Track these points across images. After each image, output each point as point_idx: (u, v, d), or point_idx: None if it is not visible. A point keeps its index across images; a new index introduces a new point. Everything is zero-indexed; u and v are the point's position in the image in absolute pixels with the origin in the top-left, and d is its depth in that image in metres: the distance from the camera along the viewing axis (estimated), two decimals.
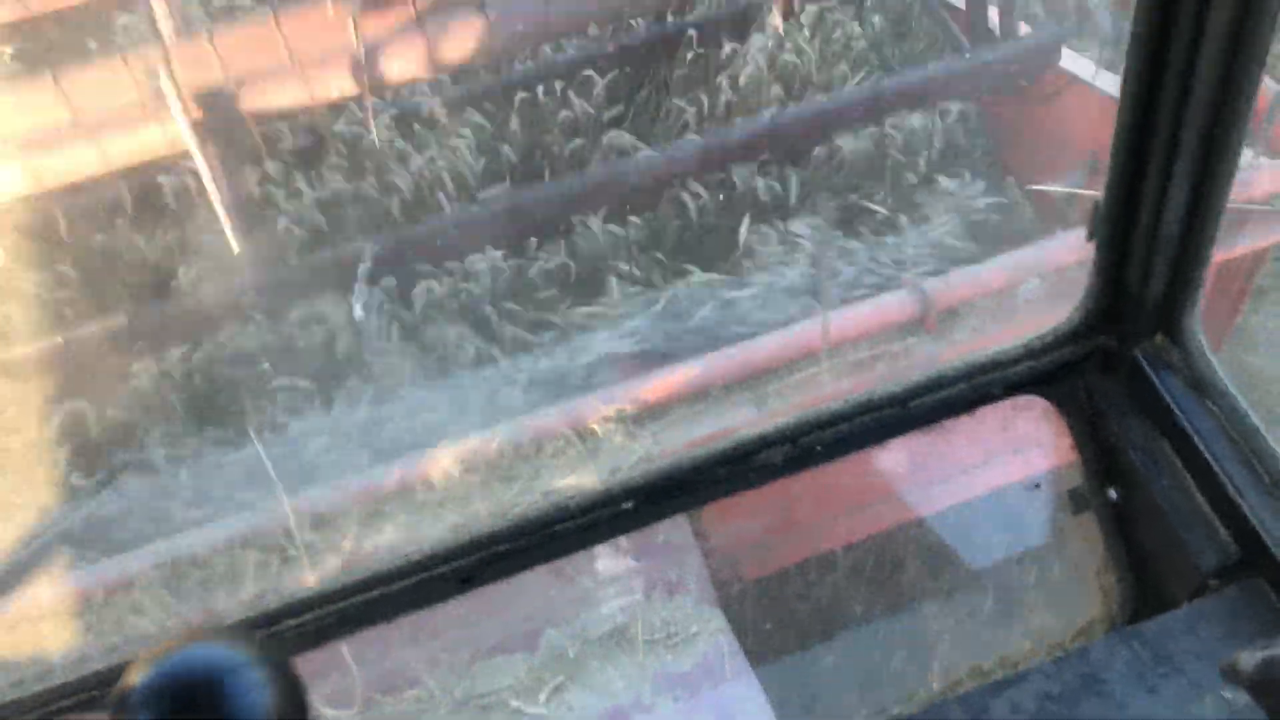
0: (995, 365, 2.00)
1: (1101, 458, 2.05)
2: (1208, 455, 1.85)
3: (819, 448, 1.95)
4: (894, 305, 4.25)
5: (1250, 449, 1.83)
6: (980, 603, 3.00)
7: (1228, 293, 5.07)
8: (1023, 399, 2.04)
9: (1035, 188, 5.78)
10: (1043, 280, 4.12)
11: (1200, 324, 1.97)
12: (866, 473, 2.34)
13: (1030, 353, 2.02)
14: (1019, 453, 2.09)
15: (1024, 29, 5.80)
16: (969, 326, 4.10)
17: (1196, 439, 1.88)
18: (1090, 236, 1.90)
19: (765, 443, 1.94)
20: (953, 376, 1.99)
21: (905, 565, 3.34)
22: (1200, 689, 1.62)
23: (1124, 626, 1.94)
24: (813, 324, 4.04)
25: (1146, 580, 1.99)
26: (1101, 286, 1.94)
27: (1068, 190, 5.35)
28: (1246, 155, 4.87)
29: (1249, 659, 1.23)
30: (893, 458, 2.13)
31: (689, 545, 3.16)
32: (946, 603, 3.21)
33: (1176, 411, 1.92)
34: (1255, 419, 1.86)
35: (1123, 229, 1.82)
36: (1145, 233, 1.79)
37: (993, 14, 5.80)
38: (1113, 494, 2.01)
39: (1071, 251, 3.97)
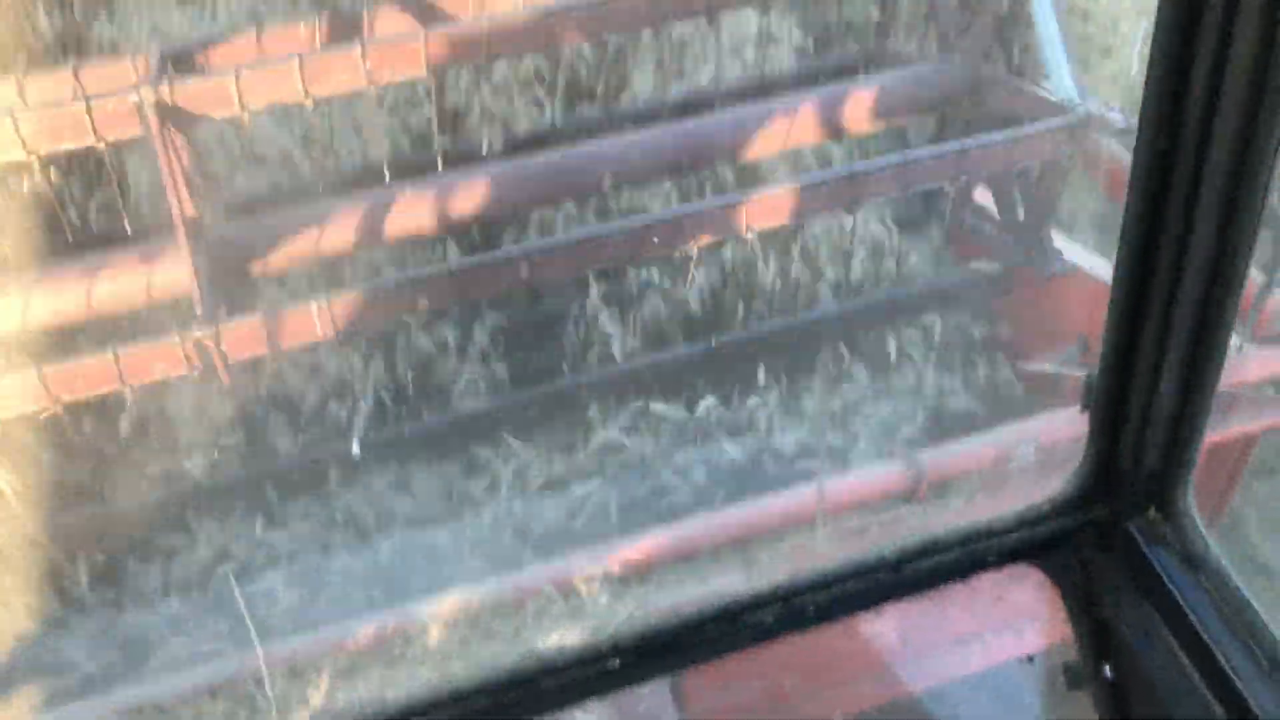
0: (990, 533, 1.99)
1: (1096, 633, 2.02)
2: (1203, 633, 1.82)
3: (811, 609, 1.91)
4: (886, 475, 4.26)
5: (1246, 628, 1.81)
6: None
7: (1220, 474, 5.10)
8: (1018, 568, 2.03)
9: (1029, 367, 5.86)
10: (1035, 454, 4.14)
11: (1194, 501, 1.97)
12: (858, 642, 2.30)
13: (1024, 522, 2.01)
14: (1012, 625, 2.06)
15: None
16: (960, 498, 4.11)
17: (1191, 616, 1.86)
18: (1084, 409, 1.92)
19: (756, 602, 1.91)
20: (946, 542, 1.97)
21: None
22: None
23: None
24: (806, 489, 4.04)
25: None
26: (1095, 459, 1.95)
27: (1060, 369, 5.42)
28: (1233, 342, 4.99)
29: None
30: (885, 626, 2.10)
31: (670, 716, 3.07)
32: None
33: (1170, 587, 1.91)
34: (1249, 596, 1.84)
35: (1116, 404, 1.83)
36: (1138, 409, 1.81)
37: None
38: (1108, 671, 1.97)
39: (1063, 427, 4.01)
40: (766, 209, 5.01)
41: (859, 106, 5.55)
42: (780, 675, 3.18)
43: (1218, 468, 5.09)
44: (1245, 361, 4.77)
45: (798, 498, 4.01)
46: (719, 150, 5.53)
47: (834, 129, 5.75)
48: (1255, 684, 1.73)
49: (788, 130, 5.43)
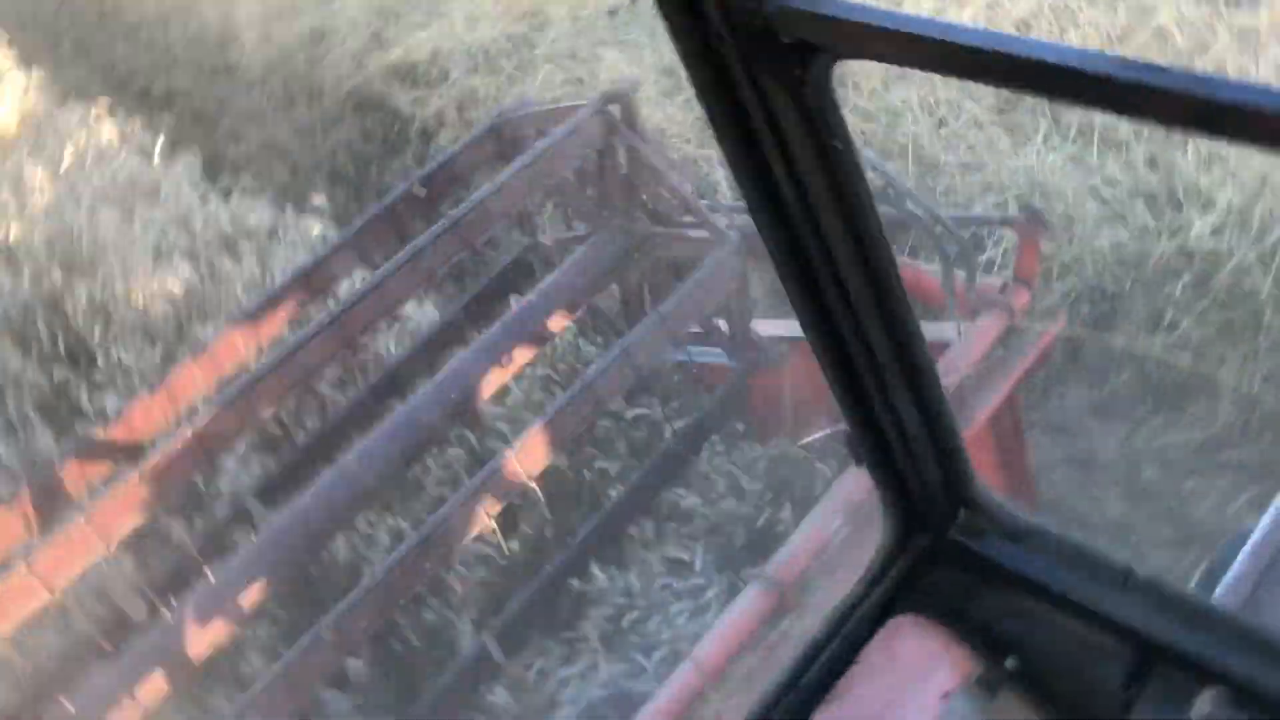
0: (851, 609, 2.11)
1: (982, 637, 2.16)
2: (1057, 585, 2.00)
3: None
4: (751, 607, 4.34)
5: (1085, 561, 2.00)
6: None
7: (1005, 445, 5.50)
8: (891, 625, 2.15)
9: (808, 440, 6.15)
10: (847, 519, 4.35)
11: (988, 488, 2.17)
12: None
13: (873, 582, 2.15)
14: (919, 674, 2.17)
15: None
16: (820, 588, 4.25)
17: (1042, 577, 2.04)
18: (859, 462, 2.10)
19: None
20: (823, 639, 2.08)
21: None
22: None
23: None
24: (683, 671, 4.05)
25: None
26: (893, 499, 2.13)
27: (833, 429, 5.74)
28: (954, 331, 5.47)
29: None
30: None
31: None
32: None
33: (1013, 565, 2.08)
34: (1075, 538, 2.04)
35: (877, 446, 2.02)
36: (896, 440, 2.00)
37: None
38: (1010, 662, 2.11)
39: (860, 481, 4.24)
40: (536, 451, 5.14)
41: (557, 303, 5.92)
42: None
43: (999, 443, 5.51)
44: (967, 346, 5.23)
45: (681, 683, 4.01)
46: (456, 413, 5.69)
47: (544, 338, 6.08)
48: (1113, 600, 1.92)
49: (509, 365, 5.72)
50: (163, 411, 5.48)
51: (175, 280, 8.89)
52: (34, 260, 9.46)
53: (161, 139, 11.88)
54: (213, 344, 5.70)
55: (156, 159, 11.51)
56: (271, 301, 5.83)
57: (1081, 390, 7.82)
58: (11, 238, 9.93)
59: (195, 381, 5.58)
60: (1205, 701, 1.27)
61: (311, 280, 5.91)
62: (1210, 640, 1.83)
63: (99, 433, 5.58)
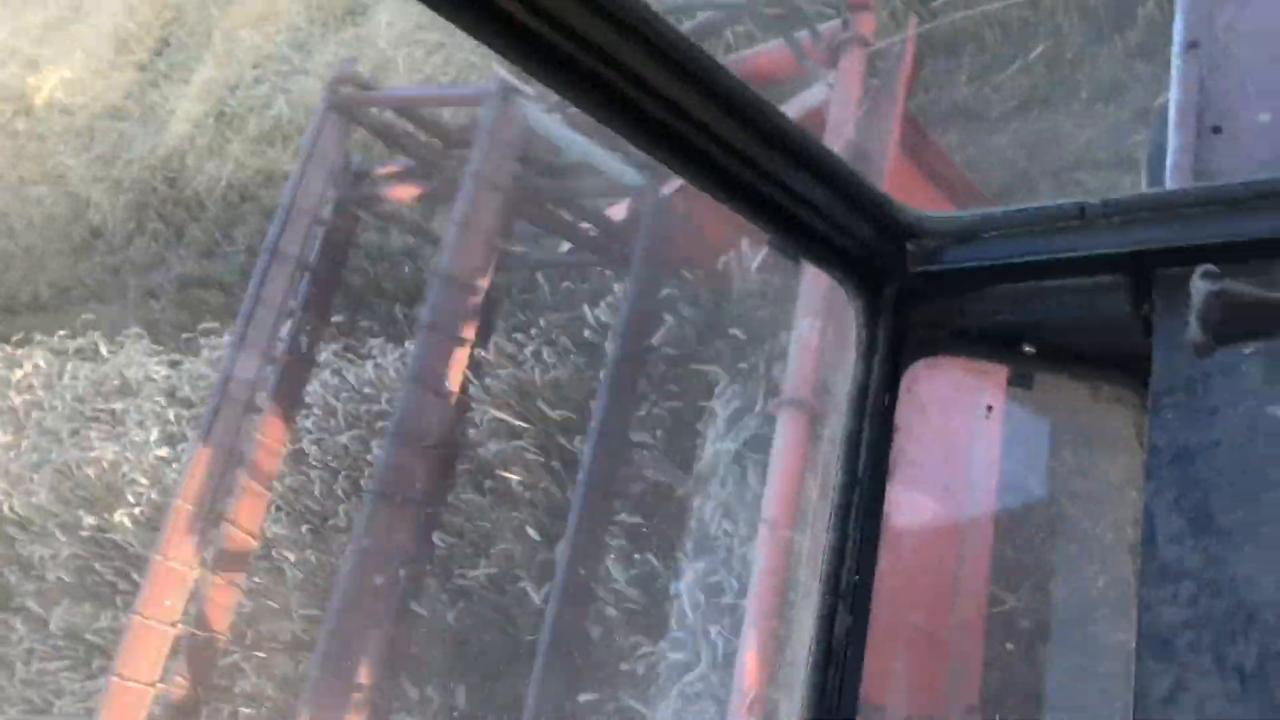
0: (862, 395, 2.07)
1: (992, 343, 2.13)
2: (1026, 254, 1.97)
3: None
4: (789, 436, 4.33)
5: (1040, 214, 1.97)
6: None
7: (924, 160, 5.44)
8: (904, 382, 2.12)
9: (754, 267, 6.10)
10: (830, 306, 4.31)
11: (905, 205, 2.12)
12: None
13: (867, 357, 2.10)
14: (954, 410, 2.14)
15: None
16: (839, 380, 4.23)
17: (1011, 256, 2.00)
18: (793, 259, 2.05)
19: None
20: (853, 431, 2.05)
21: None
22: None
23: None
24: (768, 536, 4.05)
25: None
26: (842, 273, 2.07)
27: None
28: (821, 90, 5.37)
29: None
30: None
31: None
32: None
33: (979, 263, 2.04)
34: (1017, 205, 2.01)
35: (796, 233, 1.96)
36: (812, 218, 1.94)
37: None
38: (1027, 349, 2.08)
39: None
40: None
41: None
42: None
43: (915, 157, 5.46)
44: (843, 91, 5.16)
45: (769, 542, 4.02)
46: None
47: None
48: (1083, 239, 1.89)
49: None
50: None
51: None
52: None
53: None
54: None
55: None
56: None
57: (963, 73, 7.82)
58: None
59: None
60: (1199, 280, 1.24)
61: None
62: (1184, 225, 1.80)
63: None
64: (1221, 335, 1.23)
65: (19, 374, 10.41)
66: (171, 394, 9.36)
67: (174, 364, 9.65)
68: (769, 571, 3.92)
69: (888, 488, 2.16)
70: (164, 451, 8.74)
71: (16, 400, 10.14)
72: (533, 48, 1.50)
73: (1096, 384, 2.09)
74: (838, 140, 4.89)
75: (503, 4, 1.42)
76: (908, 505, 4.05)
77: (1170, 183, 2.12)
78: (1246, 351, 1.76)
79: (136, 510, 8.38)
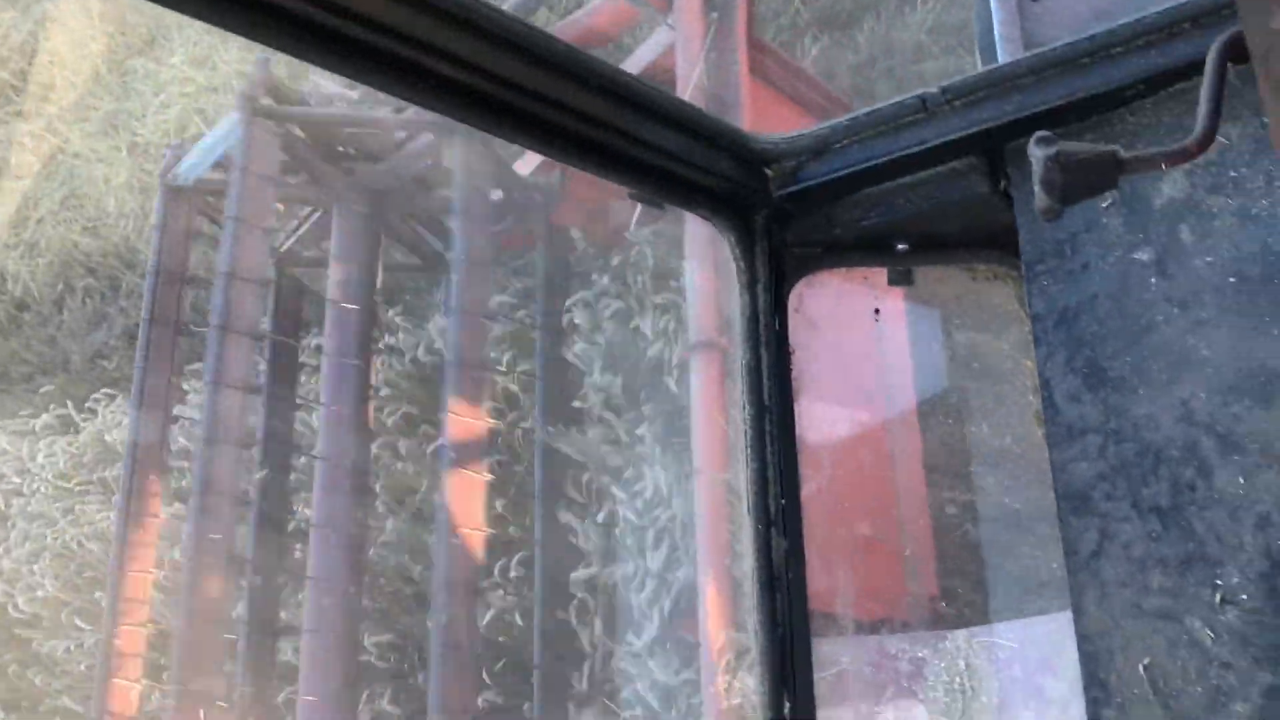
0: (754, 326, 2.09)
1: (866, 249, 2.16)
2: (881, 154, 1.99)
3: None
4: (705, 377, 4.36)
5: (884, 115, 2.00)
6: None
7: (782, 85, 5.47)
8: (792, 300, 2.14)
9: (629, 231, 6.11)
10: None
11: (762, 134, 2.13)
12: None
13: (751, 285, 2.12)
14: (843, 321, 2.17)
15: None
16: None
17: (868, 157, 2.03)
18: (659, 206, 2.05)
19: None
20: (753, 362, 2.07)
21: None
22: None
23: None
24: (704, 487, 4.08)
25: None
26: (711, 209, 2.08)
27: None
28: (665, 36, 5.36)
29: None
30: None
31: None
32: None
33: (842, 171, 2.07)
34: (863, 111, 2.03)
35: (657, 182, 1.96)
36: (670, 164, 1.94)
37: None
38: (900, 246, 2.12)
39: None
40: None
41: None
42: None
43: (773, 83, 5.48)
44: (685, 33, 5.15)
45: (708, 498, 4.05)
46: None
47: None
48: (926, 128, 1.92)
49: None
50: None
51: None
52: None
53: None
54: None
55: None
56: None
57: None
58: None
59: None
60: (1034, 147, 1.27)
61: None
62: (1022, 96, 1.84)
63: None
64: (1066, 195, 1.26)
65: None
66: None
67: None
68: (711, 517, 3.96)
69: (807, 407, 2.18)
70: (175, 508, 8.09)
71: None
72: (350, 49, 1.48)
73: (972, 265, 2.14)
74: (689, 81, 4.90)
75: (313, 13, 1.40)
76: (830, 419, 4.12)
77: (1002, 58, 2.16)
78: (1104, 205, 1.82)
79: (160, 574, 7.74)
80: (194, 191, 6.89)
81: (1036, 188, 1.26)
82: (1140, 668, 1.59)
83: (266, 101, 6.69)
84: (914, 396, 3.90)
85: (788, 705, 1.83)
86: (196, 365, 8.01)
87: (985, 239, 2.09)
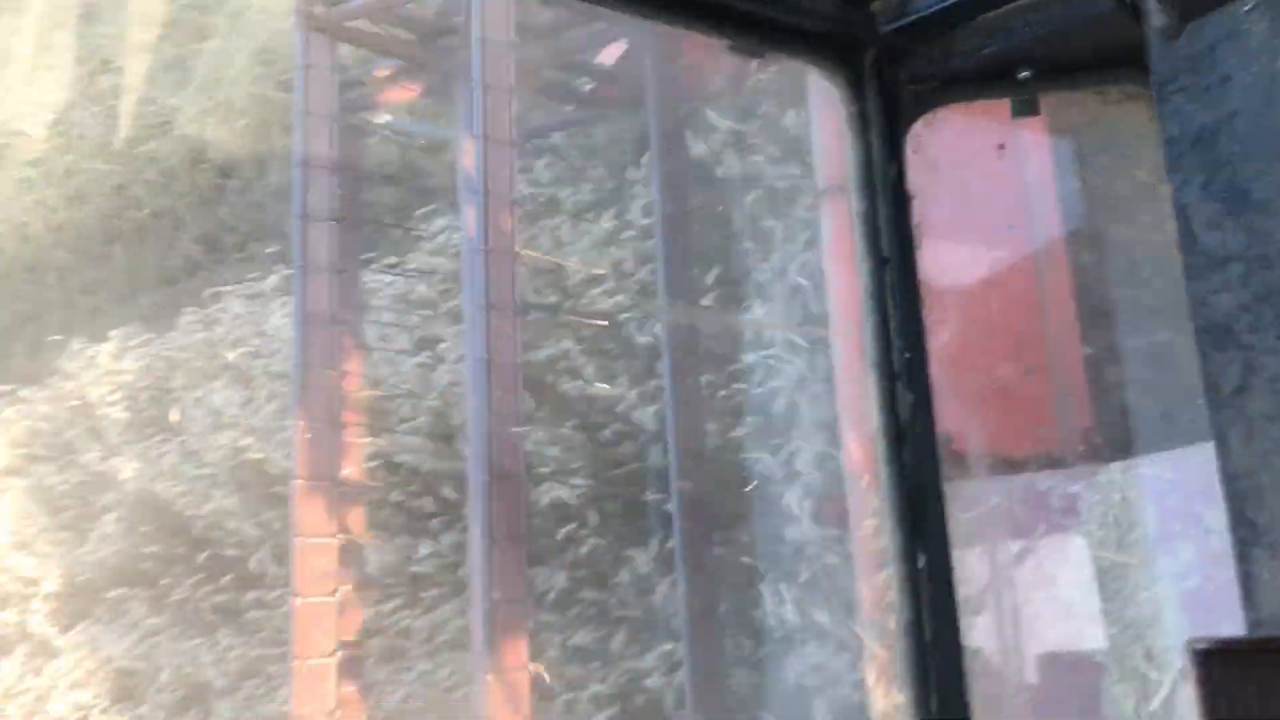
0: (867, 168, 2.01)
1: (989, 79, 2.04)
2: None
3: None
4: (832, 217, 4.25)
5: None
6: None
7: None
8: (911, 141, 2.04)
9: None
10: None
11: None
12: None
13: (863, 129, 2.03)
14: (967, 153, 2.07)
15: None
16: None
17: None
18: (759, 55, 1.97)
19: None
20: (868, 206, 1.99)
21: None
22: None
23: None
24: None
25: None
26: (814, 51, 1.98)
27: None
28: None
29: None
30: None
31: None
32: None
33: None
34: None
35: (756, 28, 1.87)
36: (768, 5, 1.85)
37: None
38: (1022, 74, 1.99)
39: None
40: None
41: None
42: None
43: None
44: None
45: None
46: None
47: None
48: None
49: None
50: None
51: None
52: None
53: None
54: None
55: None
56: None
57: None
58: None
59: None
60: None
61: None
62: None
63: None
64: (1187, 10, 1.15)
65: (220, 330, 9.62)
66: (403, 299, 8.50)
67: (391, 267, 8.50)
68: (847, 375, 3.91)
69: (938, 252, 2.11)
70: (423, 358, 7.95)
71: (231, 356, 9.35)
72: None
73: (1103, 88, 2.00)
74: None
75: None
76: (972, 260, 3.98)
77: None
78: (1246, 9, 1.66)
79: (418, 421, 7.60)
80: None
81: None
82: None
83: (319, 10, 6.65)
84: (1055, 231, 3.73)
85: (922, 557, 1.81)
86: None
87: (1113, 58, 1.94)
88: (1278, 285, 1.55)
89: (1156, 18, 1.13)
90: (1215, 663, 1.23)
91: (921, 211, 2.04)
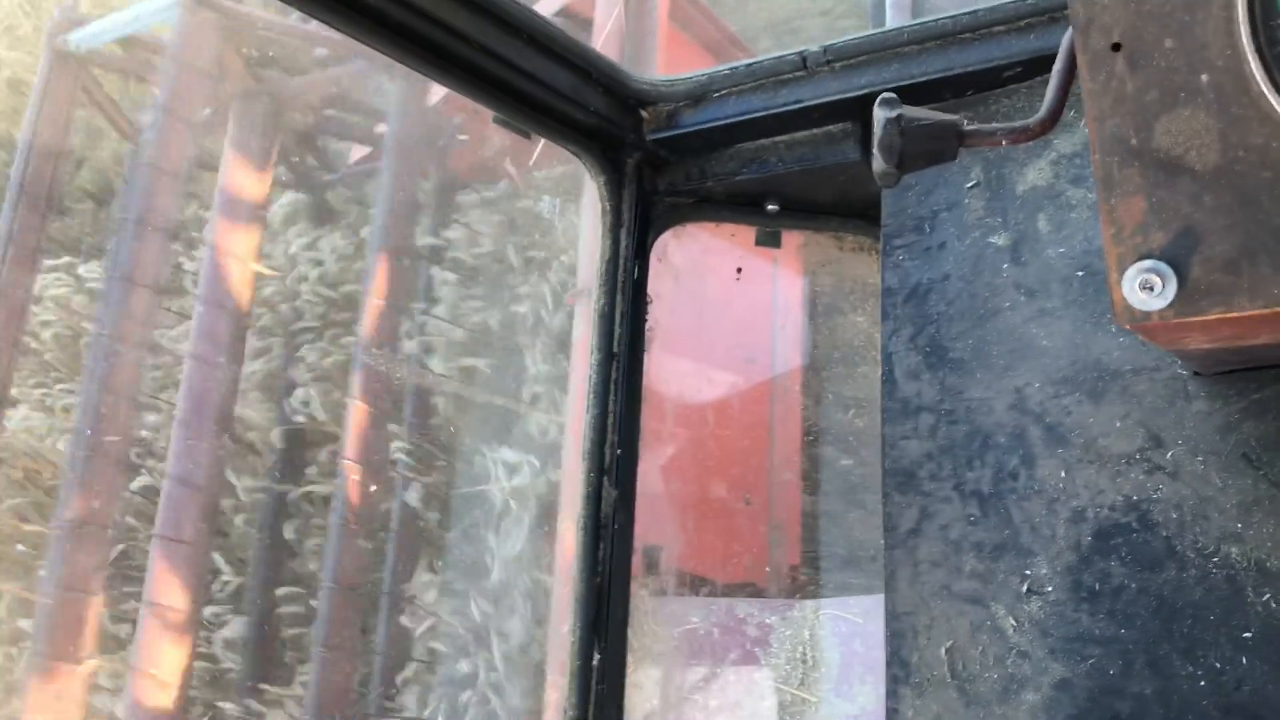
0: (612, 268, 2.04)
1: (737, 205, 2.12)
2: (759, 108, 1.95)
3: None
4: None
5: (765, 68, 1.94)
6: None
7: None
8: (655, 250, 2.09)
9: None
10: None
11: (642, 75, 2.06)
12: None
13: (614, 229, 2.06)
14: (704, 273, 2.13)
15: None
16: None
17: (745, 110, 1.98)
18: (527, 136, 1.98)
19: None
20: (607, 307, 2.01)
21: None
22: None
23: None
24: None
25: None
26: (582, 146, 2.01)
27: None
28: None
29: None
30: None
31: None
32: None
33: (717, 120, 2.01)
34: (744, 61, 1.98)
35: (528, 110, 1.89)
36: (543, 93, 1.87)
37: None
38: (770, 206, 2.08)
39: None
40: None
41: None
42: None
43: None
44: None
45: None
46: None
47: None
48: (813, 85, 1.88)
49: None
50: None
51: None
52: None
53: None
54: None
55: None
56: None
57: None
58: None
59: None
60: (877, 108, 1.23)
61: None
62: (901, 65, 1.81)
63: None
64: (904, 161, 1.23)
65: None
66: None
67: None
68: (573, 471, 3.92)
69: (677, 363, 2.14)
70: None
71: None
72: None
73: (840, 234, 2.11)
74: (607, 23, 4.79)
75: None
76: (708, 381, 4.11)
77: (891, 23, 2.13)
78: (969, 186, 1.80)
79: None
80: (85, 60, 6.45)
81: (875, 150, 1.22)
82: (942, 650, 1.59)
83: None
84: (793, 364, 3.91)
85: (597, 655, 1.80)
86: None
87: (855, 208, 2.07)
88: (960, 439, 1.65)
89: (877, 163, 1.22)
90: None
91: (656, 316, 2.08)
